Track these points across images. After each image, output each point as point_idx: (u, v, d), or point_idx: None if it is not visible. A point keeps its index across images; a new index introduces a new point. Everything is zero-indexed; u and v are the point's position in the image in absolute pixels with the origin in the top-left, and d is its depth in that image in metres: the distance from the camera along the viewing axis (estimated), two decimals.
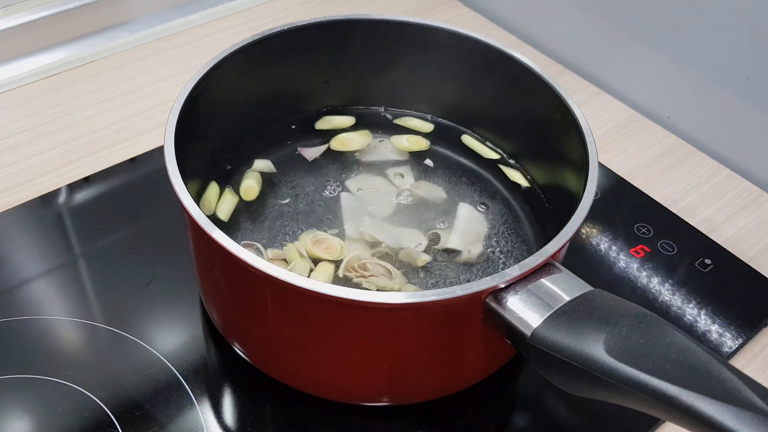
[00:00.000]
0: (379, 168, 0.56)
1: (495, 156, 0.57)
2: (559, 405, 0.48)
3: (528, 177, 0.55)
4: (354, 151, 0.57)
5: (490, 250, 0.50)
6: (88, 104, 0.67)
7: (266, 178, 0.54)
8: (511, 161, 0.57)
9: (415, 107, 0.60)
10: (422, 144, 0.58)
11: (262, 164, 0.54)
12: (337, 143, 0.57)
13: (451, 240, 0.50)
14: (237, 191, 0.52)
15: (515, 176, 0.55)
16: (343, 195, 0.53)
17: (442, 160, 0.57)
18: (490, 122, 0.58)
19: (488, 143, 0.58)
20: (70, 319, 0.50)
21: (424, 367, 0.43)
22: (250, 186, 0.52)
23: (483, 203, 0.54)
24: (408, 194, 0.53)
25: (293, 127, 0.58)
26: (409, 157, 0.57)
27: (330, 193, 0.53)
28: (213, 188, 0.52)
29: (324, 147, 0.56)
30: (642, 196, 0.62)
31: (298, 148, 0.56)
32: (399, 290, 0.46)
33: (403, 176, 0.55)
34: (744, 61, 0.64)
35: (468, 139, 0.58)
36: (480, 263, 0.49)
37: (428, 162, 0.56)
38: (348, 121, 0.59)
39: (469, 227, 0.51)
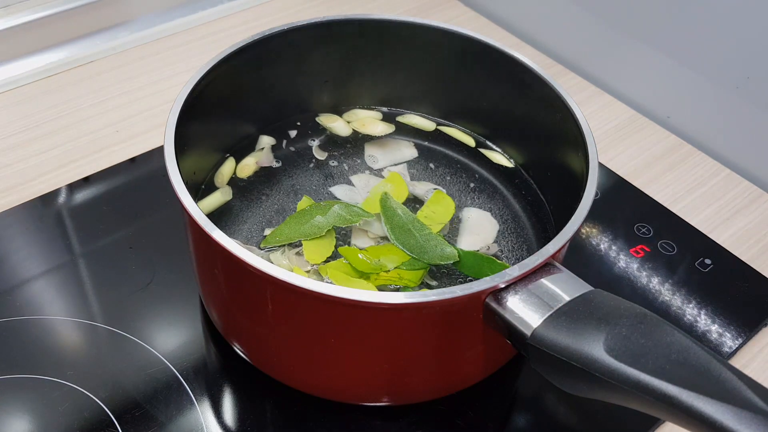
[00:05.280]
0: (378, 166, 0.56)
1: (496, 157, 0.57)
2: (559, 405, 0.48)
3: (525, 173, 0.56)
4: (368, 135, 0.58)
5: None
6: (88, 104, 0.67)
7: (267, 173, 0.54)
8: (511, 160, 0.57)
9: (415, 107, 0.60)
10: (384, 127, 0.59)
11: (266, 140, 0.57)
12: (359, 124, 0.58)
13: (462, 243, 0.50)
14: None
15: (499, 159, 0.57)
16: (336, 188, 0.54)
17: (440, 160, 0.57)
18: (490, 123, 0.58)
19: (488, 142, 0.58)
20: (70, 319, 0.50)
21: (424, 367, 0.43)
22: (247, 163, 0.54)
23: (484, 204, 0.54)
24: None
25: (294, 126, 0.58)
26: (411, 157, 0.57)
27: (328, 188, 0.53)
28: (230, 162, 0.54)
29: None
30: (642, 196, 0.62)
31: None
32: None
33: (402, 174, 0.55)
34: (744, 61, 0.64)
35: (466, 138, 0.59)
36: None
37: (427, 189, 0.55)
38: (375, 115, 0.60)
39: (478, 228, 0.51)
